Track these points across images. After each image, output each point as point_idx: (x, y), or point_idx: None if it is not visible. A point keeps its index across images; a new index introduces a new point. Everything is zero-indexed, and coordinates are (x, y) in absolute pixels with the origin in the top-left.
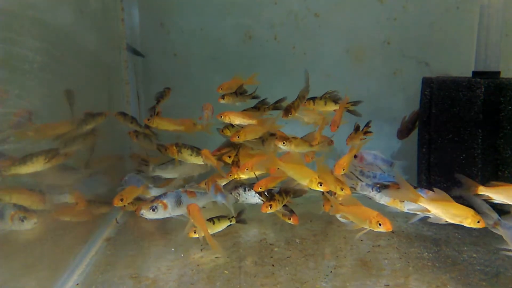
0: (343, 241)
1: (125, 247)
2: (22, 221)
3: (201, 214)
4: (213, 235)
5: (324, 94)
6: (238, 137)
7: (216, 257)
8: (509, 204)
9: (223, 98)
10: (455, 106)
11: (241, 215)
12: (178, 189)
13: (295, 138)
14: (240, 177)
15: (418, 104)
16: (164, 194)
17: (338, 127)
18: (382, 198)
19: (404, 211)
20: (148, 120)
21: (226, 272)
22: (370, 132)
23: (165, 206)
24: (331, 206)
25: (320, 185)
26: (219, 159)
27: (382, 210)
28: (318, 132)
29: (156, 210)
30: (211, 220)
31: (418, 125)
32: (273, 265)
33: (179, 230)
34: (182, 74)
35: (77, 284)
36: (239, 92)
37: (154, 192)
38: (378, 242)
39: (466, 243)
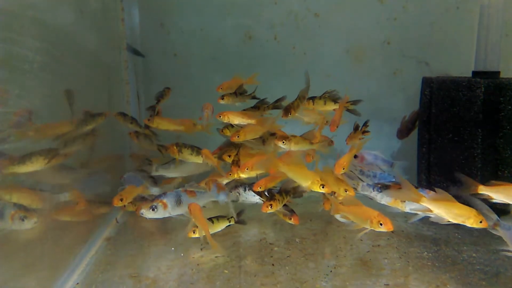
0: (343, 241)
1: (125, 247)
2: (23, 220)
3: (202, 214)
4: (213, 235)
5: (323, 94)
6: (238, 136)
7: (216, 257)
8: (509, 204)
9: (222, 99)
10: (455, 106)
11: (240, 216)
12: (178, 188)
13: (294, 136)
14: (240, 177)
15: (418, 104)
16: (164, 193)
17: (337, 127)
18: (383, 199)
19: (406, 211)
20: (148, 120)
21: (226, 271)
22: (367, 131)
23: (165, 206)
24: (331, 205)
25: (323, 187)
26: (219, 158)
27: (383, 210)
28: (318, 132)
29: (156, 209)
30: (210, 220)
31: (418, 125)
32: (273, 265)
33: (179, 230)
34: (182, 74)
35: (77, 283)
36: (239, 93)
37: (153, 192)
38: (378, 242)
39: (466, 243)
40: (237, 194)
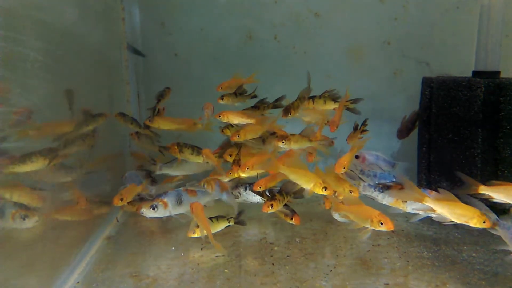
0: (343, 240)
1: (125, 246)
2: (24, 219)
3: (204, 213)
4: (213, 234)
5: (323, 93)
6: (238, 136)
7: (216, 256)
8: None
9: (222, 99)
10: (455, 106)
11: (240, 216)
12: (179, 188)
13: (293, 135)
14: (240, 176)
15: (418, 104)
16: (165, 193)
17: (337, 127)
18: (385, 199)
19: (407, 211)
20: (150, 121)
21: (226, 271)
22: (366, 130)
23: (165, 205)
24: (332, 204)
25: (325, 190)
26: (220, 157)
27: (385, 210)
28: (318, 131)
29: (156, 209)
30: (209, 219)
31: (418, 124)
32: (273, 264)
33: (179, 229)
34: (182, 74)
35: (78, 282)
36: (239, 93)
37: (151, 191)
38: (378, 242)
39: (465, 243)
40: (238, 193)
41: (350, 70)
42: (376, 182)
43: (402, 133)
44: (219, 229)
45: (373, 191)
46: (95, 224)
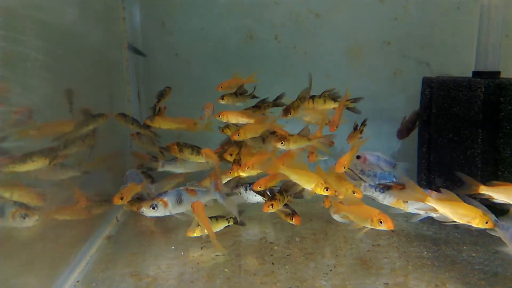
0: (342, 240)
1: (125, 245)
2: (24, 218)
3: (204, 213)
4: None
5: (323, 93)
6: (238, 135)
7: (216, 256)
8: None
9: (222, 99)
10: (455, 106)
11: (240, 216)
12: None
13: (292, 135)
14: (239, 176)
15: (418, 104)
16: (165, 192)
17: (337, 127)
18: (386, 199)
19: (408, 211)
20: (150, 121)
21: (226, 270)
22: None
23: (165, 204)
24: (331, 204)
25: (327, 190)
26: (220, 157)
27: (386, 211)
28: (318, 131)
29: (156, 208)
30: (209, 219)
31: (418, 125)
32: (273, 264)
33: (179, 229)
34: (183, 74)
35: (78, 281)
36: (239, 93)
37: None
38: (378, 241)
39: (465, 243)
40: (238, 193)
41: (350, 70)
42: (377, 182)
43: (402, 133)
44: (218, 229)
45: (374, 191)
46: (95, 223)
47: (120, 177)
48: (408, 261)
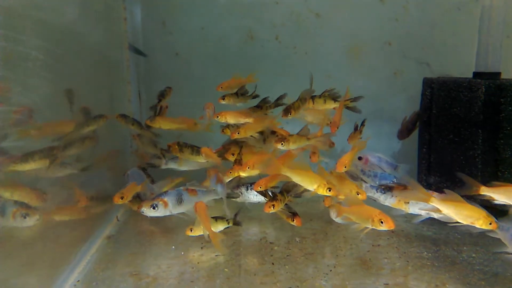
0: (342, 240)
1: (125, 245)
2: (25, 217)
3: (207, 213)
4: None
5: (323, 93)
6: (238, 133)
7: (216, 255)
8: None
9: (223, 99)
10: (455, 107)
11: (236, 217)
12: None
13: (291, 135)
14: (240, 176)
15: (419, 104)
16: (165, 192)
17: (338, 127)
18: (387, 200)
19: (409, 212)
20: (151, 121)
21: (226, 270)
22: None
23: (165, 204)
24: (332, 205)
25: (329, 190)
26: (221, 156)
27: (387, 212)
28: (319, 131)
29: (156, 208)
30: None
31: (418, 125)
32: (273, 264)
33: (179, 228)
34: (183, 74)
35: (78, 281)
36: (240, 93)
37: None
38: (378, 242)
39: (465, 243)
40: (239, 193)
41: (351, 70)
42: (377, 183)
43: (403, 133)
44: (218, 230)
45: (375, 192)
46: (96, 223)
47: (120, 177)
48: (408, 261)
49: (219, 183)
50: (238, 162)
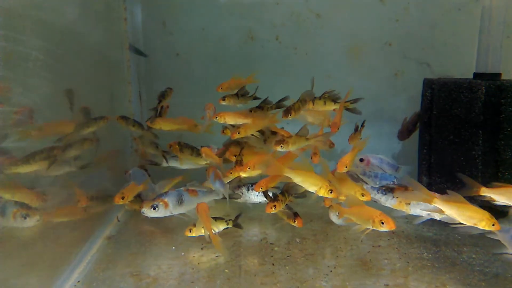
0: (343, 241)
1: (126, 245)
2: (25, 218)
3: (208, 214)
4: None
5: (323, 94)
6: (239, 133)
7: (216, 256)
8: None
9: (223, 100)
10: (456, 108)
11: (237, 219)
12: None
13: (290, 137)
14: (240, 176)
15: (419, 105)
16: (166, 192)
17: (338, 128)
18: (388, 201)
19: (410, 213)
20: (151, 122)
21: (227, 271)
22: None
23: (166, 205)
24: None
25: (331, 192)
26: (222, 156)
27: (388, 213)
28: (320, 131)
29: (157, 208)
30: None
31: (419, 126)
32: (273, 264)
33: (180, 229)
34: (184, 74)
35: (78, 281)
36: (241, 94)
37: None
38: (378, 243)
39: (465, 244)
40: (240, 193)
41: (351, 71)
42: (378, 183)
43: (403, 134)
44: (217, 231)
45: (376, 193)
46: (96, 223)
47: (121, 177)
48: (408, 262)
49: (217, 179)
50: (239, 163)
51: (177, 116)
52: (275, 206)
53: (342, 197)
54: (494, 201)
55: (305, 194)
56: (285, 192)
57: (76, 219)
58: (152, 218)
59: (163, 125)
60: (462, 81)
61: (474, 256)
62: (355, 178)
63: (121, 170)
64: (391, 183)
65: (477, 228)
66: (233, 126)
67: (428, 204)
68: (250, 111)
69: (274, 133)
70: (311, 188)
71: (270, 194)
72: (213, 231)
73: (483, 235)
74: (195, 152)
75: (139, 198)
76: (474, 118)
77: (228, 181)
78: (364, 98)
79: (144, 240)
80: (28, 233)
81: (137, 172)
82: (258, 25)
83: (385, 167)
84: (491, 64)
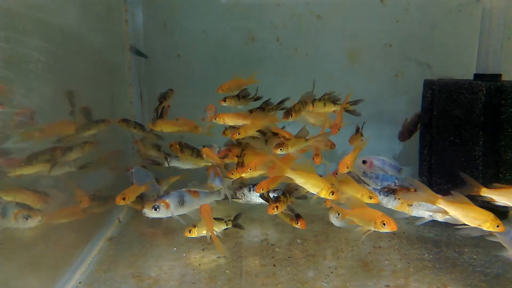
0: (344, 242)
1: (127, 247)
2: (27, 219)
3: (211, 215)
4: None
5: (323, 96)
6: (239, 134)
7: (217, 257)
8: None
9: (224, 101)
10: (456, 109)
11: (237, 219)
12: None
13: (289, 139)
14: (241, 177)
15: (420, 106)
16: (167, 193)
17: (339, 129)
18: (390, 202)
19: (412, 215)
20: (153, 125)
21: (228, 272)
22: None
23: (167, 206)
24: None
25: (332, 194)
26: (223, 158)
27: (390, 215)
28: (321, 131)
29: (158, 209)
30: None
31: (419, 127)
32: (274, 265)
33: (181, 230)
34: (185, 75)
35: (80, 282)
36: (242, 95)
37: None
38: (379, 244)
39: (466, 245)
40: (242, 194)
41: (352, 72)
42: (379, 185)
43: (404, 135)
44: (218, 231)
45: (378, 195)
46: (97, 224)
47: (122, 177)
48: (409, 263)
49: (217, 176)
50: (240, 165)
51: (178, 117)
52: (277, 207)
53: (342, 199)
54: (494, 201)
55: (306, 195)
56: (287, 193)
57: (77, 220)
58: (154, 219)
59: (164, 127)
60: (463, 82)
61: (475, 256)
62: (357, 180)
63: (122, 170)
64: (393, 184)
65: (479, 229)
66: (233, 127)
67: (431, 205)
68: (250, 111)
69: (275, 133)
70: (313, 190)
71: (272, 196)
72: (214, 232)
73: (483, 236)
74: (196, 152)
75: (141, 199)
76: (474, 119)
77: (229, 181)
78: (364, 99)
79: (145, 241)
80: (30, 234)
81: (140, 172)
82: (259, 26)
83: (387, 169)
84: (492, 65)
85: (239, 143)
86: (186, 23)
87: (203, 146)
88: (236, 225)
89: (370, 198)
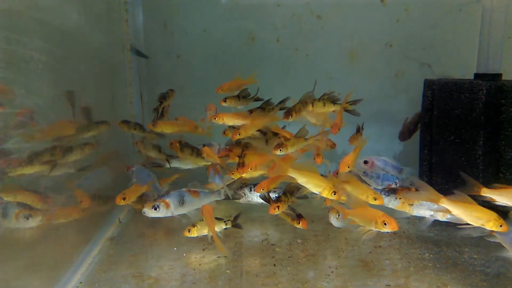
0: (344, 242)
1: (128, 247)
2: (27, 219)
3: (212, 216)
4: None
5: (322, 96)
6: (239, 134)
7: (218, 257)
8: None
9: (225, 101)
10: (456, 108)
11: (237, 219)
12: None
13: (288, 139)
14: (242, 177)
15: (420, 106)
16: (167, 193)
17: (339, 129)
18: (391, 202)
19: (413, 214)
20: (153, 125)
21: (228, 271)
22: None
23: (167, 205)
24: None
25: (334, 194)
26: (223, 158)
27: (391, 215)
28: (321, 131)
29: (158, 209)
30: None
31: (420, 127)
32: (274, 265)
33: (181, 230)
34: (185, 75)
35: (81, 282)
36: (242, 96)
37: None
38: (379, 243)
39: (467, 244)
40: (243, 194)
41: (352, 72)
42: (380, 184)
43: (404, 135)
44: (218, 231)
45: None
46: (98, 224)
47: (122, 177)
48: (409, 262)
49: (217, 174)
50: (241, 165)
51: (178, 117)
52: (278, 207)
53: (343, 198)
54: (495, 201)
55: (307, 195)
56: (288, 193)
57: (77, 220)
58: (154, 219)
59: (164, 128)
60: (463, 82)
61: (475, 256)
62: (358, 179)
63: (123, 170)
64: (393, 184)
65: (479, 229)
66: (233, 127)
67: (432, 204)
68: (250, 111)
69: (276, 133)
70: (315, 189)
71: (273, 196)
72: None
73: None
74: (195, 151)
75: (141, 199)
76: (475, 119)
77: (230, 182)
78: (364, 99)
79: (146, 241)
80: (30, 234)
81: (141, 171)
82: (259, 26)
83: (389, 169)
84: (492, 65)
85: (239, 143)
86: (186, 23)
87: (203, 145)
88: (235, 225)
89: (375, 200)
